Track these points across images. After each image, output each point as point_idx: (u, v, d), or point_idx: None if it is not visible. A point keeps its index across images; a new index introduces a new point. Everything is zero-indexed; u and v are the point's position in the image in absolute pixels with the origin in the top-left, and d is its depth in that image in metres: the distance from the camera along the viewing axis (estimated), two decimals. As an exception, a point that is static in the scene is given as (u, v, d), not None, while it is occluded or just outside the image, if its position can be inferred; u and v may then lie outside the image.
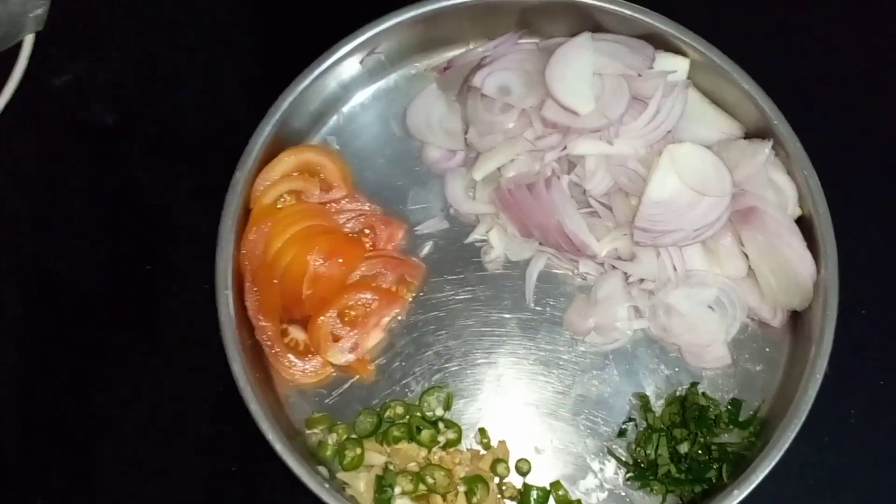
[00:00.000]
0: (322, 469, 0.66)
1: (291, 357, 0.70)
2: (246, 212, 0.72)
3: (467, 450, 0.69)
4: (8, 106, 0.81)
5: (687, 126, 0.74)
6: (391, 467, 0.66)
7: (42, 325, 0.76)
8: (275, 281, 0.70)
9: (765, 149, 0.70)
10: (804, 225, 0.70)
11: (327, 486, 0.63)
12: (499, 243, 0.75)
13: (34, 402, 0.74)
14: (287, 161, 0.73)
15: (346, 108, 0.79)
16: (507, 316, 0.74)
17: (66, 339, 0.75)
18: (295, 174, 0.74)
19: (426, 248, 0.76)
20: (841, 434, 0.71)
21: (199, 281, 0.74)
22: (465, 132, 0.77)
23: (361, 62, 0.77)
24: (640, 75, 0.72)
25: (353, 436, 0.68)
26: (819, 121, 0.76)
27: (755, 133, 0.74)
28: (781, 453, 0.63)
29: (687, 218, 0.69)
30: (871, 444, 0.71)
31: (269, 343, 0.70)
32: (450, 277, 0.75)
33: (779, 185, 0.71)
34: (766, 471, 0.63)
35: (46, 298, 0.77)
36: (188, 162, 0.80)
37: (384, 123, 0.79)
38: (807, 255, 0.68)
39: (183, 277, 0.76)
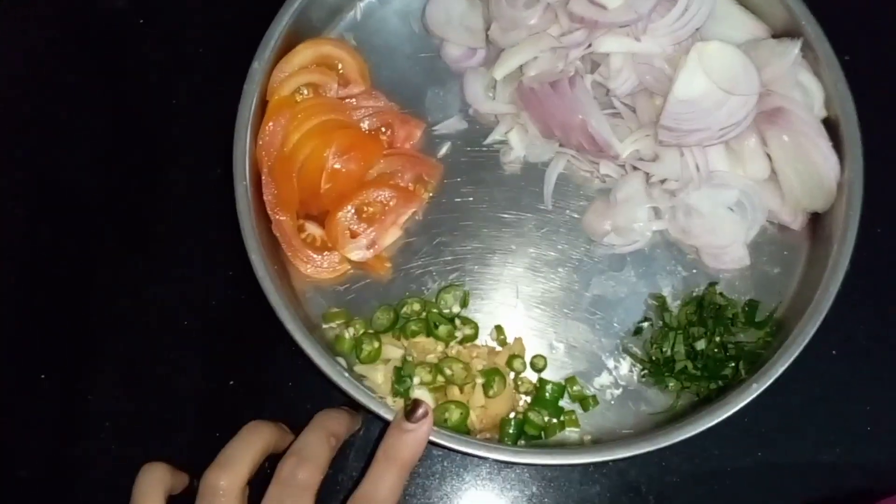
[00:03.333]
0: (340, 360, 0.67)
1: (309, 252, 0.70)
2: (263, 104, 0.71)
3: (484, 344, 0.69)
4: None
5: (714, 26, 0.72)
6: (409, 359, 0.66)
7: (49, 210, 0.75)
8: (293, 175, 0.69)
9: (794, 49, 0.69)
10: (830, 127, 0.69)
11: (347, 374, 0.64)
12: (518, 144, 0.74)
13: (41, 288, 0.74)
14: (305, 53, 0.72)
15: (363, 3, 0.77)
16: (525, 217, 0.73)
17: (71, 223, 0.75)
18: (313, 67, 0.72)
19: (444, 149, 0.75)
20: (848, 348, 0.71)
21: (213, 173, 0.73)
22: (487, 29, 0.75)
23: (381, -46, 0.75)
24: (670, -31, 0.70)
25: (371, 330, 0.68)
26: (849, 22, 0.74)
27: (783, 34, 0.72)
28: (799, 350, 0.64)
29: (713, 117, 0.68)
30: (877, 360, 0.71)
31: (286, 237, 0.69)
32: (467, 178, 0.74)
33: (806, 86, 0.70)
34: (785, 366, 0.63)
35: (53, 184, 0.76)
36: (205, 49, 0.78)
37: (403, 20, 0.77)
38: (832, 156, 0.68)
39: (197, 167, 0.75)
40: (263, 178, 0.69)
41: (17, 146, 0.77)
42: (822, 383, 0.71)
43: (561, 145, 0.74)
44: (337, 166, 0.70)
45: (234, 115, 0.68)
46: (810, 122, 0.68)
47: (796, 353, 0.64)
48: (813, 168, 0.68)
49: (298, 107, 0.70)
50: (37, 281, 0.74)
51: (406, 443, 0.55)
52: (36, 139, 0.77)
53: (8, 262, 0.74)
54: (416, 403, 0.55)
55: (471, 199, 0.74)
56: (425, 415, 0.55)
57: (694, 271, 0.71)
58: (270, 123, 0.69)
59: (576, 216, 0.73)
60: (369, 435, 0.69)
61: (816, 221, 0.71)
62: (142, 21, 0.79)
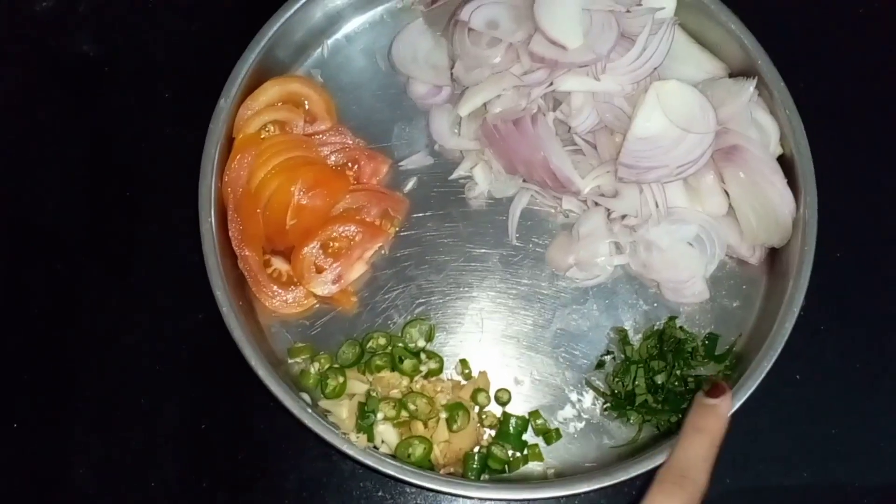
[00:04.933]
0: (304, 396, 0.67)
1: (274, 287, 0.70)
2: (229, 141, 0.71)
3: (448, 380, 0.70)
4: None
5: (672, 65, 0.74)
6: (373, 394, 0.66)
7: (24, 255, 0.75)
8: (258, 211, 0.70)
9: (749, 87, 0.71)
10: (785, 164, 0.71)
11: (310, 410, 0.64)
12: (483, 179, 0.76)
13: (17, 333, 0.73)
14: (272, 90, 0.73)
15: (330, 41, 0.78)
16: (490, 251, 0.74)
17: (46, 266, 0.75)
18: (280, 104, 0.73)
19: (410, 184, 0.76)
20: (811, 372, 0.72)
21: (181, 210, 0.74)
22: (452, 67, 0.76)
23: (348, -7, 0.76)
24: (628, 11, 0.72)
25: (336, 365, 0.68)
26: (802, 61, 0.77)
27: (739, 73, 0.74)
28: (756, 384, 0.65)
29: (671, 154, 0.69)
30: (841, 382, 0.73)
31: (252, 273, 0.69)
32: (433, 213, 0.75)
33: (761, 124, 0.72)
34: (742, 400, 0.65)
35: (27, 228, 0.76)
36: (171, 90, 0.79)
37: (369, 57, 0.78)
38: (787, 193, 0.69)
39: (165, 206, 0.75)
40: (229, 214, 0.70)
41: None
42: (788, 407, 0.72)
43: (525, 181, 0.75)
44: (303, 202, 0.70)
45: (197, 154, 0.69)
46: (765, 160, 0.70)
47: (753, 388, 0.65)
48: (769, 205, 0.69)
49: (264, 144, 0.71)
50: (11, 327, 0.73)
51: (710, 415, 0.60)
52: (7, 179, 0.77)
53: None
54: (717, 385, 0.61)
55: (437, 233, 0.75)
56: (723, 391, 0.60)
57: (655, 305, 0.73)
58: (236, 160, 0.70)
59: (540, 250, 0.74)
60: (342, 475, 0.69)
61: (774, 255, 0.72)
62: (108, 66, 0.80)
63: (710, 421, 0.60)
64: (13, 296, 0.74)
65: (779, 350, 0.66)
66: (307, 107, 0.75)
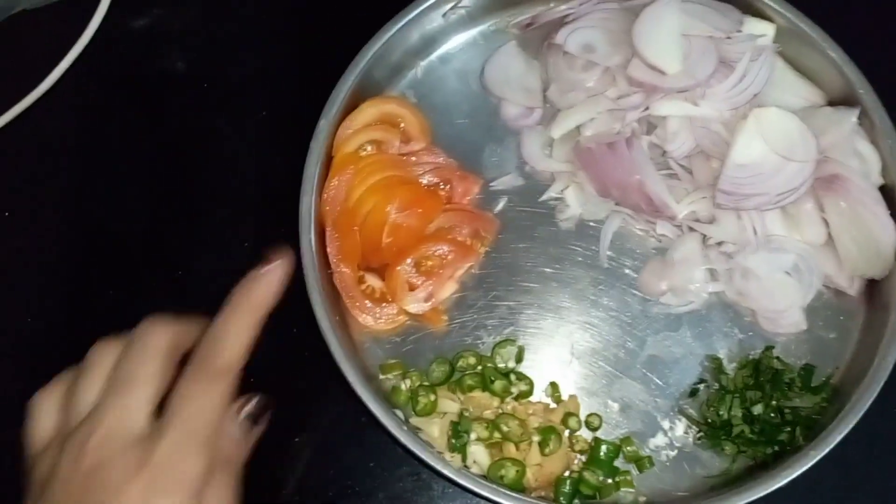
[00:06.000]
0: (398, 413, 0.67)
1: (368, 303, 0.71)
2: (327, 160, 0.73)
3: (539, 401, 0.69)
4: (86, 49, 0.82)
5: (771, 92, 0.73)
6: (466, 414, 0.67)
7: (107, 274, 0.77)
8: (355, 228, 0.71)
9: (851, 117, 0.70)
10: (887, 195, 0.70)
11: (405, 427, 0.65)
12: (574, 202, 0.76)
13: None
14: (369, 111, 0.74)
15: (424, 62, 0.79)
16: (580, 274, 0.74)
17: (138, 283, 0.76)
18: (376, 124, 0.74)
19: (500, 204, 0.76)
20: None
21: (276, 228, 0.75)
22: (544, 89, 0.77)
23: (444, 15, 0.77)
24: (728, 38, 0.71)
25: (427, 383, 0.69)
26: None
27: (839, 101, 0.73)
28: (858, 417, 0.64)
29: (771, 182, 0.69)
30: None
31: (347, 289, 0.70)
32: (523, 234, 0.75)
33: (863, 153, 0.71)
34: (843, 433, 0.63)
35: (116, 250, 0.77)
36: (266, 110, 0.80)
37: (462, 79, 0.79)
38: (890, 223, 0.68)
39: (261, 225, 0.77)
40: (327, 231, 0.71)
41: (80, 206, 0.79)
42: (883, 442, 0.70)
43: (617, 204, 0.75)
44: (398, 221, 0.71)
45: (295, 172, 0.70)
46: (868, 190, 0.69)
47: (854, 422, 0.64)
48: (870, 235, 0.68)
49: (362, 162, 0.72)
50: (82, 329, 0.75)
51: (256, 285, 0.54)
52: (95, 200, 0.79)
53: (52, 304, 0.76)
54: (273, 257, 0.55)
55: (526, 254, 0.75)
56: (277, 260, 0.54)
57: (750, 334, 0.72)
58: (335, 179, 0.71)
59: (632, 274, 0.74)
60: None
61: (873, 287, 0.71)
62: (202, 84, 0.82)
63: (254, 291, 0.53)
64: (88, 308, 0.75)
65: (881, 384, 0.65)
66: (402, 127, 0.76)
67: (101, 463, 0.48)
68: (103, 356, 0.52)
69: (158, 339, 0.51)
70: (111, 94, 0.82)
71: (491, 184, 0.76)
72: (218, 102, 0.82)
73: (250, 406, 0.54)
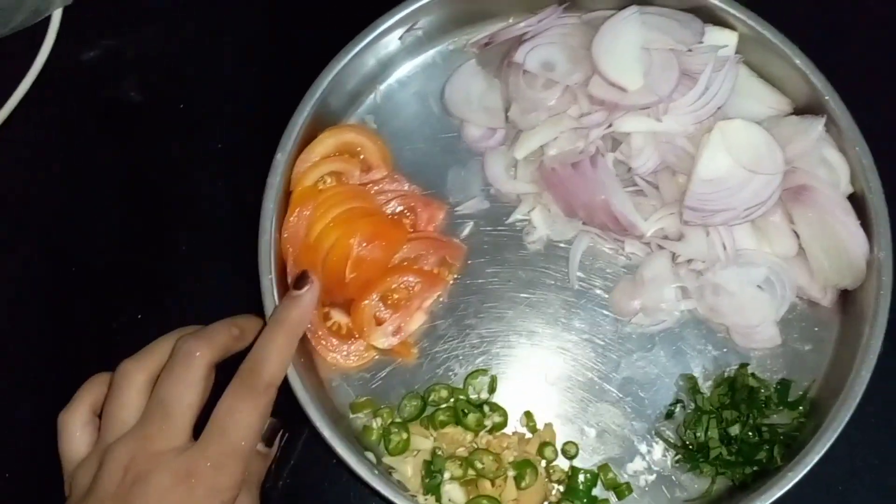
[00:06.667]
0: (369, 454, 0.66)
1: (334, 341, 0.69)
2: (286, 195, 0.71)
3: (513, 433, 0.68)
4: (36, 82, 0.80)
5: (736, 101, 0.72)
6: (439, 452, 0.65)
7: (71, 312, 0.76)
8: (317, 264, 0.69)
9: (818, 125, 0.69)
10: (856, 203, 0.69)
11: (376, 471, 0.63)
12: (541, 223, 0.74)
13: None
14: (327, 142, 0.72)
15: (383, 86, 0.78)
16: (550, 297, 0.73)
17: (98, 323, 0.75)
18: (335, 155, 0.73)
19: (467, 229, 0.75)
20: (889, 416, 0.70)
21: (237, 265, 0.73)
22: (506, 109, 0.75)
23: (400, 38, 0.76)
24: (689, 50, 0.70)
25: (398, 420, 0.68)
26: (872, 96, 0.74)
27: (805, 109, 0.72)
28: (836, 435, 0.63)
29: (738, 197, 0.67)
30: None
31: (312, 327, 0.69)
32: (491, 258, 0.74)
33: (831, 162, 0.70)
34: (821, 453, 0.62)
35: (74, 283, 0.76)
36: (222, 142, 0.79)
37: (422, 101, 0.78)
38: (860, 233, 0.67)
39: (220, 261, 0.75)
40: (289, 268, 0.69)
41: (40, 232, 0.78)
42: (864, 453, 0.70)
43: (585, 223, 0.73)
44: (362, 254, 0.70)
45: (255, 208, 0.69)
46: (836, 200, 0.67)
47: (833, 439, 0.63)
48: (841, 246, 0.67)
49: (321, 196, 0.70)
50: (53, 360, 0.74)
51: (293, 306, 0.61)
52: (53, 231, 0.78)
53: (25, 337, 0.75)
54: (303, 274, 0.63)
55: (495, 279, 0.73)
56: (309, 281, 0.62)
57: (725, 350, 0.70)
58: (294, 214, 0.69)
59: (602, 295, 0.72)
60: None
61: (847, 296, 0.70)
62: (157, 116, 0.80)
63: (292, 311, 0.61)
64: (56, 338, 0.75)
65: (857, 399, 0.64)
66: (362, 156, 0.74)
67: (144, 476, 0.53)
68: (134, 375, 0.58)
69: (198, 357, 0.57)
70: (65, 127, 0.80)
71: (456, 208, 0.75)
72: (175, 134, 0.80)
73: (265, 428, 0.61)
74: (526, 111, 0.74)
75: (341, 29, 0.74)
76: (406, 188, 0.74)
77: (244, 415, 0.55)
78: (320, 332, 0.69)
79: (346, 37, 0.74)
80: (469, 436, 0.67)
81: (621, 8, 0.73)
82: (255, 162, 0.71)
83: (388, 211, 0.73)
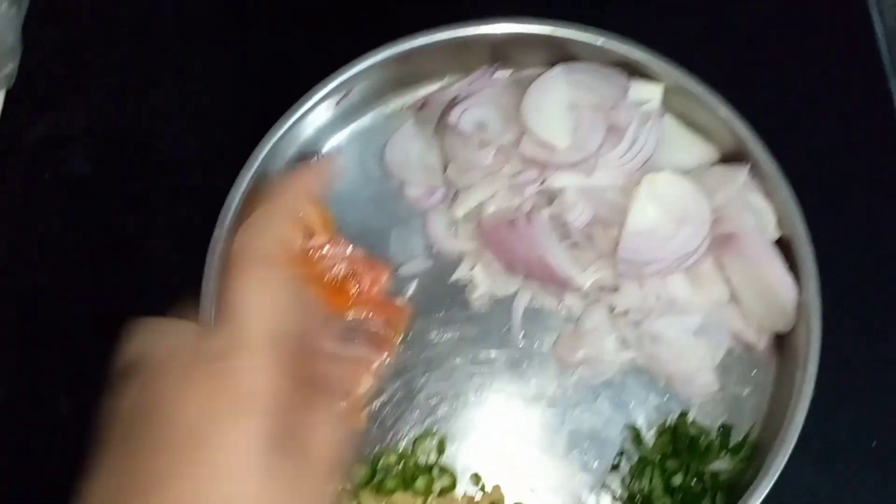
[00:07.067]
0: (320, 523, 0.67)
1: (283, 410, 0.70)
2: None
3: (463, 494, 0.69)
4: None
5: (664, 152, 0.73)
6: (388, 519, 0.66)
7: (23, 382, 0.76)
8: (261, 336, 0.70)
9: (741, 174, 0.70)
10: (784, 247, 0.70)
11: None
12: (484, 280, 0.75)
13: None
14: (266, 213, 0.73)
15: (322, 152, 0.79)
16: (496, 353, 0.74)
17: (44, 389, 0.75)
18: (275, 225, 0.73)
19: (411, 289, 0.76)
20: (829, 455, 0.71)
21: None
22: (445, 169, 0.76)
23: (337, 104, 0.77)
24: (614, 107, 0.72)
25: (348, 487, 0.68)
26: (795, 142, 0.76)
27: (731, 155, 0.74)
28: (773, 481, 0.64)
29: (668, 247, 0.69)
30: (859, 465, 0.72)
31: (259, 398, 0.70)
32: (436, 317, 0.75)
33: (757, 208, 0.72)
34: (760, 498, 0.63)
35: (21, 354, 0.77)
36: (166, 215, 0.80)
37: (363, 164, 0.79)
38: (787, 279, 0.69)
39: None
40: (233, 341, 0.70)
41: None
42: (807, 494, 0.71)
43: (525, 278, 0.75)
44: (305, 324, 0.70)
45: (197, 284, 0.69)
46: (763, 247, 0.69)
47: (770, 485, 0.64)
48: (770, 291, 0.69)
49: (263, 267, 0.71)
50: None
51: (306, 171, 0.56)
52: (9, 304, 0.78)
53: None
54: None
55: (441, 338, 0.75)
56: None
57: (666, 398, 0.72)
58: (236, 288, 0.70)
59: (546, 349, 0.74)
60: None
61: (782, 340, 0.72)
62: (105, 189, 0.81)
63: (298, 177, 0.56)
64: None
65: (793, 443, 0.65)
66: (304, 222, 0.75)
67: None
68: None
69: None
70: (13, 204, 0.81)
71: (400, 269, 0.76)
72: (120, 209, 0.81)
73: None
74: (462, 171, 0.75)
75: (281, 98, 0.75)
76: (349, 252, 0.75)
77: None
78: (268, 403, 0.70)
79: (285, 106, 0.75)
80: (419, 500, 0.67)
81: (550, 65, 0.75)
82: (198, 237, 0.72)
83: (332, 276, 0.74)
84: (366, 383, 0.72)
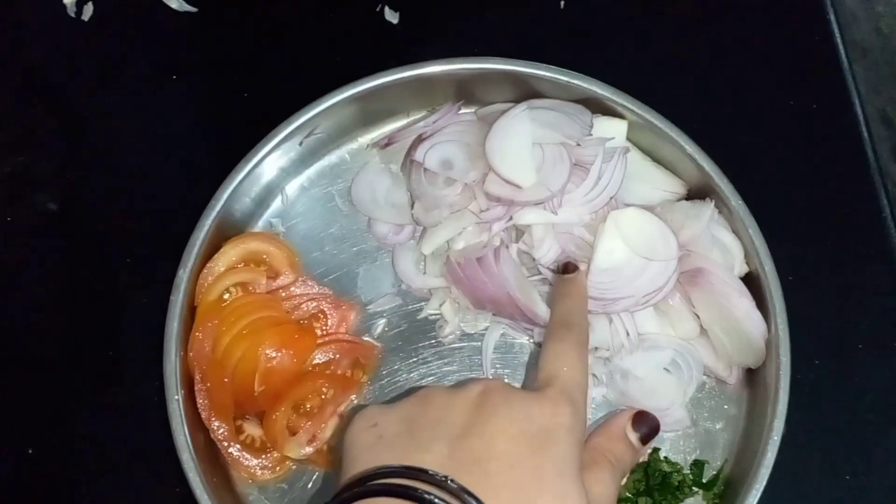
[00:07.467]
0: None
1: (247, 455, 0.69)
2: (192, 309, 0.71)
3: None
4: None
5: (631, 187, 0.74)
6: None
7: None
8: (226, 379, 0.69)
9: (707, 210, 0.71)
10: (752, 282, 0.70)
11: None
12: (453, 317, 0.75)
13: None
14: (230, 253, 0.72)
15: (289, 189, 0.78)
16: (467, 391, 0.73)
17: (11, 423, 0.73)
18: (240, 265, 0.73)
19: (380, 327, 0.75)
20: (802, 491, 0.71)
21: (151, 385, 0.72)
22: (412, 206, 0.76)
23: (301, 143, 0.77)
24: (578, 144, 0.72)
25: (317, 533, 0.67)
26: (761, 176, 0.76)
27: (697, 190, 0.74)
28: (744, 521, 0.63)
29: (636, 284, 0.69)
30: (832, 499, 0.71)
31: (224, 443, 0.68)
32: (406, 355, 0.74)
33: (724, 243, 0.72)
34: (732, 540, 0.63)
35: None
36: (131, 256, 0.78)
37: (329, 201, 0.78)
38: (756, 315, 0.68)
39: (132, 378, 0.74)
40: (196, 385, 0.69)
41: None
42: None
43: (495, 314, 0.74)
44: (270, 366, 0.69)
45: (161, 326, 0.68)
46: (730, 283, 0.69)
47: (742, 526, 0.63)
48: (739, 326, 0.69)
49: (227, 308, 0.70)
50: None
51: (571, 283, 0.68)
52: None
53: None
54: (567, 265, 0.69)
55: (411, 375, 0.74)
56: (575, 267, 0.69)
57: (638, 434, 0.71)
58: (198, 332, 0.69)
59: (517, 384, 0.73)
60: None
61: (752, 374, 0.71)
62: (71, 228, 0.80)
63: (573, 287, 0.68)
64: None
65: (765, 480, 0.65)
66: (268, 263, 0.74)
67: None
68: None
69: None
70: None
71: (368, 307, 0.75)
72: (85, 248, 0.80)
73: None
74: (429, 208, 0.75)
75: (247, 136, 0.75)
76: (315, 291, 0.75)
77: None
78: (233, 448, 0.68)
79: (251, 144, 0.74)
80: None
81: (515, 101, 0.75)
82: (162, 277, 0.71)
83: (298, 316, 0.73)
84: (333, 425, 0.71)
